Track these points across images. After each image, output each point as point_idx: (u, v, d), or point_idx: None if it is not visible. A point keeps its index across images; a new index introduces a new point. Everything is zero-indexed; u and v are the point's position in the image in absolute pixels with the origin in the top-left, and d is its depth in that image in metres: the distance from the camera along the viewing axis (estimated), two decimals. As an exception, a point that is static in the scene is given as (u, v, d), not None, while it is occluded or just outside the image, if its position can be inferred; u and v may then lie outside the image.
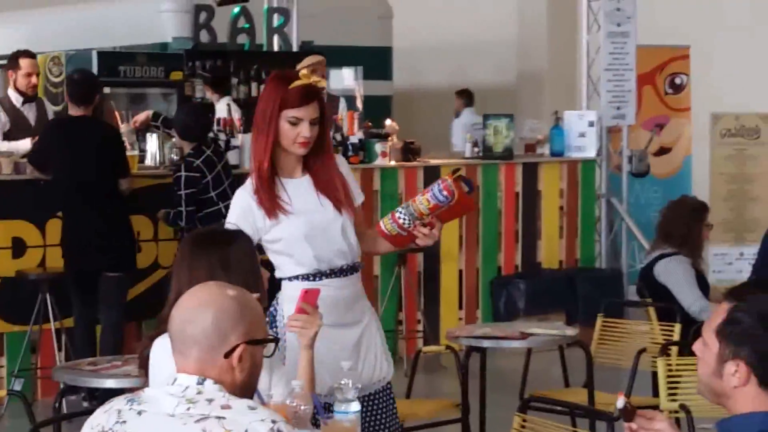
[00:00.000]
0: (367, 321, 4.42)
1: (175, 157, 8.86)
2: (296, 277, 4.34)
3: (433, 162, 9.65)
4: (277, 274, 4.38)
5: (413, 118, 13.49)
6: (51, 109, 10.02)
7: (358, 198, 4.46)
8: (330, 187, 4.34)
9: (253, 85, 11.81)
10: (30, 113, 9.04)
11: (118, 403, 2.80)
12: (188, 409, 2.71)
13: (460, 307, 9.69)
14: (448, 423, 5.86)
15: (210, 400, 2.73)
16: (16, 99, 9.02)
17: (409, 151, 9.38)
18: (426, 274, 9.48)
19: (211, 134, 8.22)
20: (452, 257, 9.55)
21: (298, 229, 4.31)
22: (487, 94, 12.91)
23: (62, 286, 7.71)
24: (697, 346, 2.88)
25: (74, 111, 7.80)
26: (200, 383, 2.78)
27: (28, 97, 9.01)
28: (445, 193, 4.23)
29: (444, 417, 5.90)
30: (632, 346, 6.36)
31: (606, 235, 10.56)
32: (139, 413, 2.74)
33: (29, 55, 9.06)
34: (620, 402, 2.86)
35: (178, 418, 2.70)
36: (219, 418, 2.68)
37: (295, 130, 4.23)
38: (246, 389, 2.84)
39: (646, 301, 6.75)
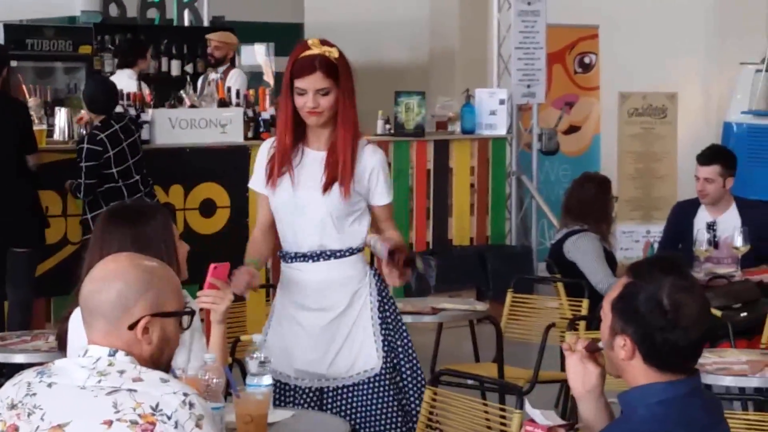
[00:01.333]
0: (344, 309, 4.34)
1: (83, 132, 8.76)
2: (281, 254, 4.39)
3: (345, 138, 9.64)
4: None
5: (325, 95, 13.43)
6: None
7: (384, 197, 4.39)
8: (329, 164, 4.28)
9: (164, 59, 11.72)
10: None
11: (27, 375, 2.77)
12: (99, 381, 2.69)
13: (372, 284, 9.70)
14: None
15: (121, 372, 2.72)
16: None
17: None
18: (337, 251, 9.47)
19: (120, 109, 8.12)
20: (364, 234, 9.55)
21: (277, 204, 4.34)
22: (399, 71, 12.92)
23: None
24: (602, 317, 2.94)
25: None
26: (112, 355, 2.76)
27: None
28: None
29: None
30: (541, 321, 6.44)
31: (516, 213, 10.65)
32: (49, 385, 2.71)
33: None
34: (598, 344, 2.93)
35: (89, 390, 2.68)
36: (130, 390, 2.67)
37: (302, 99, 4.22)
38: (157, 363, 2.81)
39: (555, 276, 6.83)
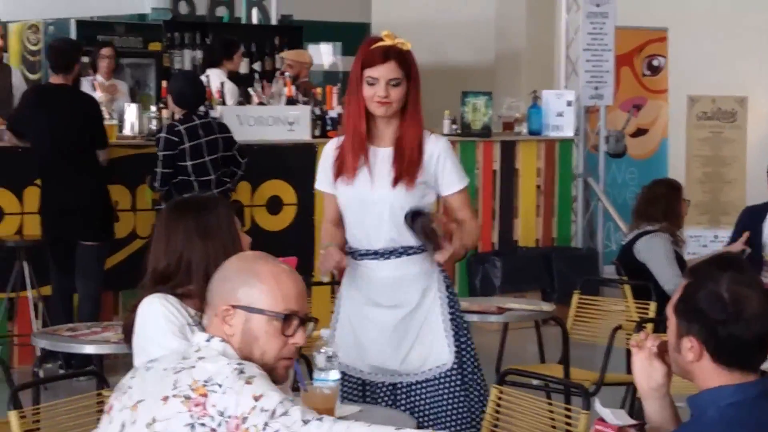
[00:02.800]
0: (415, 306, 4.34)
1: (153, 127, 8.84)
2: (350, 251, 4.37)
3: (412, 138, 9.64)
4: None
5: (391, 95, 13.44)
6: (28, 77, 10.01)
7: (453, 185, 4.35)
8: (397, 158, 4.27)
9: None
10: None
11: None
12: (179, 363, 2.76)
13: (436, 284, 9.70)
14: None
15: (200, 356, 2.78)
16: None
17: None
18: (403, 250, 9.48)
19: (203, 108, 8.15)
20: (429, 234, 9.55)
21: (345, 200, 4.34)
22: (464, 72, 12.91)
23: (40, 254, 7.69)
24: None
25: (54, 79, 7.78)
26: (208, 341, 2.84)
27: None
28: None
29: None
30: (607, 323, 6.40)
31: (582, 215, 10.61)
32: (147, 369, 2.81)
33: None
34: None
35: (167, 371, 2.75)
36: (191, 368, 2.72)
37: (373, 89, 4.21)
38: (251, 361, 2.82)
39: (622, 278, 6.79)
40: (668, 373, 2.91)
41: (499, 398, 4.32)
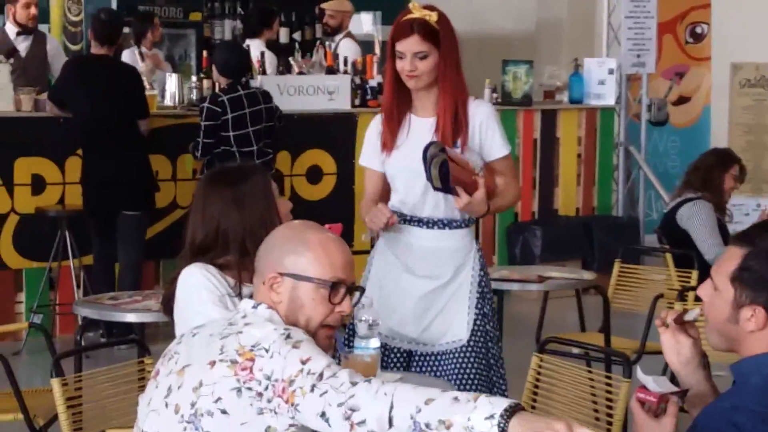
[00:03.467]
0: (449, 280, 4.34)
1: (193, 98, 8.85)
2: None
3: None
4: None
5: (431, 64, 13.40)
6: (69, 48, 10.03)
7: (498, 151, 4.34)
8: (448, 133, 4.26)
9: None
10: (22, 45, 9.03)
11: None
12: (225, 329, 2.77)
13: (476, 253, 9.69)
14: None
15: (246, 322, 2.79)
16: (11, 30, 9.02)
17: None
18: (442, 219, 9.47)
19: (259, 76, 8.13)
20: (469, 203, 9.53)
21: (395, 168, 4.33)
22: (505, 40, 12.83)
23: (81, 224, 7.74)
24: (705, 291, 2.86)
25: (97, 50, 7.80)
26: (255, 307, 2.87)
27: (27, 29, 9.00)
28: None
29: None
30: (648, 292, 6.38)
31: (623, 184, 10.55)
32: (194, 335, 2.83)
33: None
34: (692, 314, 2.89)
35: (213, 336, 2.77)
36: (239, 333, 2.74)
37: (401, 63, 4.22)
38: (293, 326, 2.83)
39: (663, 247, 6.76)
40: (695, 344, 2.89)
41: (540, 367, 4.32)
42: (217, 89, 7.97)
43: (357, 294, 2.96)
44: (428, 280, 4.34)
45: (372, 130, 4.41)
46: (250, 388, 2.63)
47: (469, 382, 4.33)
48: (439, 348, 4.35)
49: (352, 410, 2.54)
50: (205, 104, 7.67)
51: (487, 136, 4.33)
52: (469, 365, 4.33)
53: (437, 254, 4.33)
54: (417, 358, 4.36)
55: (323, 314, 2.87)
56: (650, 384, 2.82)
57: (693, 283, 6.24)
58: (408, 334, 4.35)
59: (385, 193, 4.43)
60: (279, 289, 2.86)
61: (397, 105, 4.29)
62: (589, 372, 4.55)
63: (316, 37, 11.47)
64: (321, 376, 2.60)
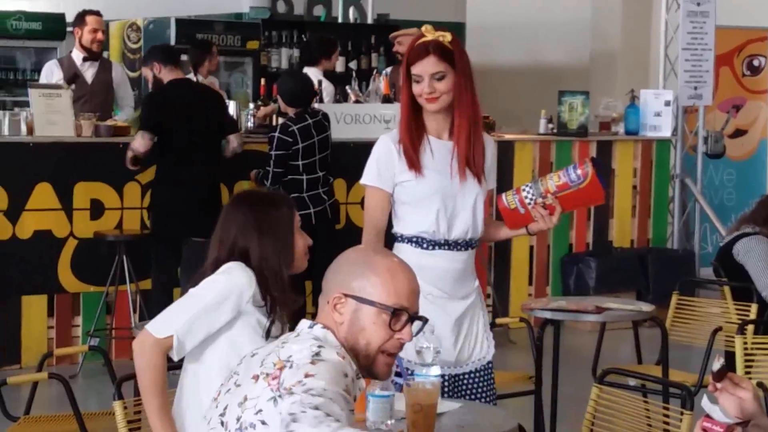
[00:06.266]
0: (473, 299, 4.39)
1: (250, 125, 8.91)
2: (411, 240, 4.31)
3: (507, 137, 9.63)
4: (395, 228, 4.36)
5: (486, 93, 13.45)
6: (127, 74, 10.13)
7: (491, 183, 4.42)
8: (469, 155, 4.26)
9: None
10: (89, 71, 9.14)
11: None
12: (275, 346, 2.84)
13: (530, 283, 9.68)
14: (521, 395, 5.87)
15: (295, 340, 2.84)
16: (77, 57, 9.13)
17: (483, 125, 9.32)
18: (497, 249, 9.48)
19: (315, 104, 8.17)
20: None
21: (430, 189, 4.27)
22: (559, 72, 12.84)
23: (138, 249, 7.79)
24: None
25: (173, 74, 7.86)
26: (311, 327, 2.90)
27: (92, 54, 9.11)
28: (579, 172, 4.15)
29: (517, 389, 5.91)
30: (706, 325, 6.34)
31: (679, 216, 10.50)
32: (252, 355, 2.88)
33: (95, 12, 9.19)
34: (717, 364, 2.83)
35: (262, 353, 2.83)
36: (281, 348, 2.80)
37: (419, 87, 4.20)
38: (354, 350, 2.88)
39: (722, 280, 6.71)
40: (756, 396, 2.82)
41: (599, 397, 4.30)
42: (265, 118, 8.01)
43: (419, 323, 2.96)
44: (462, 301, 4.36)
45: (384, 150, 4.29)
46: (281, 396, 2.67)
47: (490, 397, 4.38)
48: (467, 368, 4.37)
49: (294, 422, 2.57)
50: (276, 134, 7.67)
51: (492, 169, 4.39)
52: (491, 381, 4.41)
53: (464, 275, 4.36)
54: (448, 380, 4.33)
55: (382, 339, 2.89)
56: (716, 414, 2.79)
57: (752, 316, 6.19)
58: (446, 358, 4.34)
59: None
60: (342, 309, 2.89)
61: (416, 129, 4.28)
62: (646, 403, 4.52)
63: (372, 66, 11.52)
64: (309, 390, 2.62)
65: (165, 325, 3.77)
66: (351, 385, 2.75)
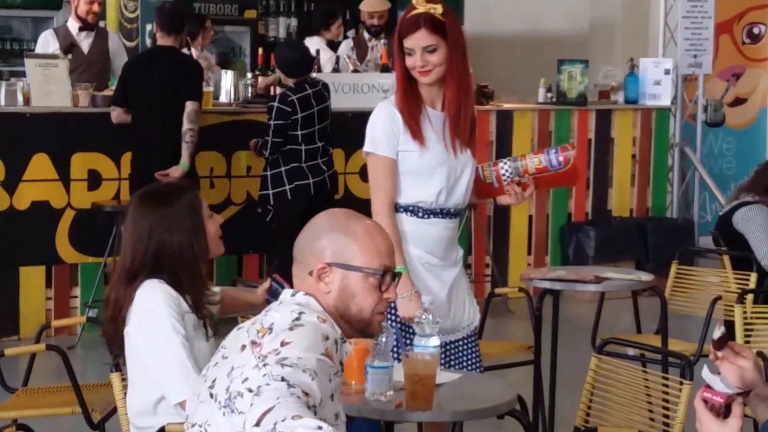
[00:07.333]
0: (459, 266, 4.44)
1: (248, 95, 8.87)
2: (408, 209, 4.30)
3: (506, 106, 9.60)
4: (396, 199, 4.32)
5: (484, 63, 13.40)
6: (124, 44, 10.08)
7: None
8: (462, 127, 4.29)
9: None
10: (85, 41, 9.08)
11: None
12: (259, 315, 2.87)
13: (529, 253, 9.67)
14: (520, 365, 5.86)
15: (277, 308, 2.87)
16: (73, 26, 9.08)
17: (482, 95, 9.31)
18: (496, 219, 9.46)
19: (314, 74, 8.12)
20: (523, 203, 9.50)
21: (435, 160, 4.27)
22: (559, 40, 12.78)
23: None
24: None
25: (163, 40, 7.83)
26: (293, 296, 2.91)
27: (88, 25, 9.05)
28: (560, 159, 4.25)
29: (515, 359, 5.91)
30: (706, 294, 6.32)
31: (678, 185, 10.47)
32: (239, 328, 2.89)
33: None
34: (718, 332, 2.81)
35: (247, 324, 2.85)
36: (264, 316, 2.83)
37: (411, 60, 4.20)
38: (345, 316, 2.91)
39: (721, 249, 6.69)
40: (756, 365, 2.81)
41: (598, 367, 4.29)
42: (266, 88, 7.95)
43: (397, 279, 2.99)
44: (453, 267, 4.40)
45: (388, 116, 4.26)
46: (266, 364, 2.67)
47: (478, 364, 4.43)
48: (457, 335, 4.40)
49: (256, 395, 2.57)
50: (275, 104, 7.64)
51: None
52: (478, 349, 4.45)
53: (454, 241, 4.42)
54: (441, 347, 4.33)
55: (374, 302, 2.93)
56: (717, 384, 2.77)
57: (751, 285, 6.17)
58: (442, 326, 4.32)
59: None
60: (327, 279, 2.90)
61: (413, 100, 4.27)
62: (645, 373, 4.51)
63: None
64: (283, 360, 2.62)
65: (174, 396, 3.70)
66: (332, 347, 2.77)
